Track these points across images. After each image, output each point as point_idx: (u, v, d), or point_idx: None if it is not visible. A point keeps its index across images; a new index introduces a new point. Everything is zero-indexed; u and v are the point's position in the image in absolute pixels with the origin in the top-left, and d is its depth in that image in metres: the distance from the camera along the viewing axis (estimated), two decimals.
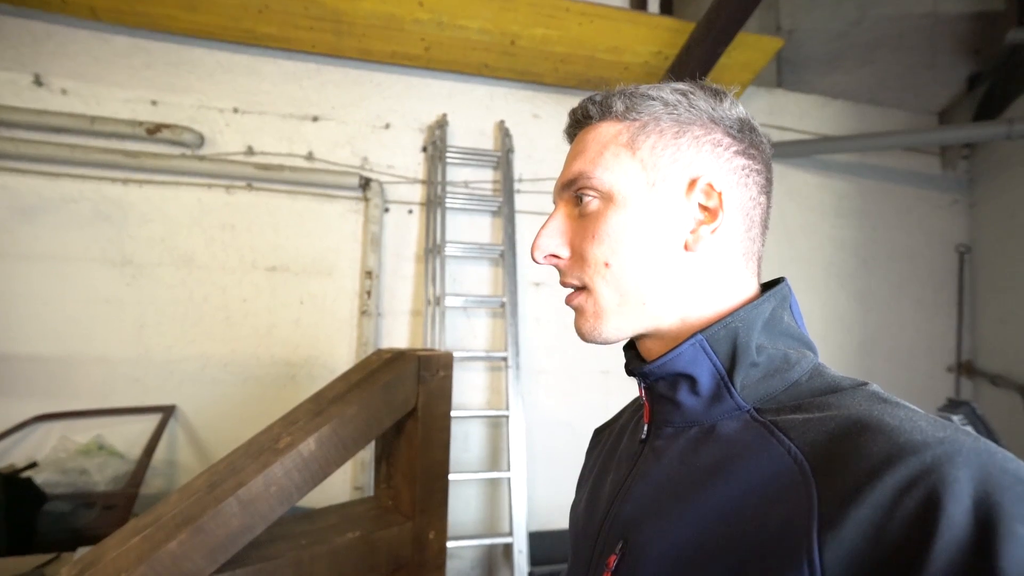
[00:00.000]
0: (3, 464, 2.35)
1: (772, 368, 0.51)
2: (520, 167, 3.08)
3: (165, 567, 1.10)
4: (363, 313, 2.76)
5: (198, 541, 1.11)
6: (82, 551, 1.58)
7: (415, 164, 2.99)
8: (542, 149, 3.13)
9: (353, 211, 2.89)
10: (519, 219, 3.00)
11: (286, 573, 1.28)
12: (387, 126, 2.99)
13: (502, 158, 2.99)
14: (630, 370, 0.59)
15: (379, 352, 1.60)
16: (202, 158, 2.75)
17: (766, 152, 0.58)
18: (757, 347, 0.51)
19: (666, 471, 0.53)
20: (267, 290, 2.77)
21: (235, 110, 2.84)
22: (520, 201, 3.04)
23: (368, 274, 2.78)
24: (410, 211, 2.95)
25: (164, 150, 2.74)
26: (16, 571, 1.60)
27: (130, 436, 2.51)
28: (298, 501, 1.25)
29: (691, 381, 0.52)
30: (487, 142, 3.08)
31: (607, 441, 0.72)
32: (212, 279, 2.74)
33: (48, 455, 2.36)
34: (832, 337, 3.49)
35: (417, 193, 2.96)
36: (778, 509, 0.42)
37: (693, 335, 0.52)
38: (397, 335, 2.85)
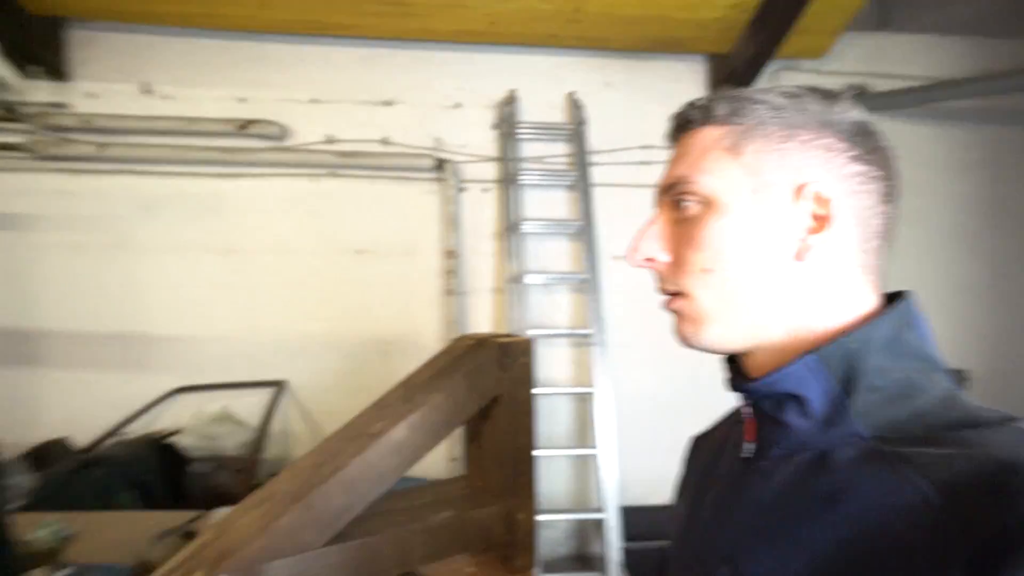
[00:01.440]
0: (151, 430, 2.78)
1: (895, 394, 0.48)
2: (594, 139, 3.10)
3: (281, 538, 1.32)
4: (447, 292, 2.96)
5: (307, 517, 1.33)
6: (218, 512, 1.89)
7: (487, 142, 3.09)
8: (616, 118, 3.13)
9: (430, 192, 3.06)
10: (595, 192, 3.05)
11: (386, 548, 1.47)
12: (457, 105, 3.09)
13: (574, 131, 3.03)
14: (733, 386, 0.58)
15: (462, 338, 1.75)
16: (287, 149, 2.99)
17: (888, 158, 0.55)
18: (878, 369, 0.48)
19: (775, 496, 0.51)
20: (356, 272, 3.02)
21: (313, 100, 3.04)
22: (596, 174, 3.08)
23: (449, 253, 2.96)
24: (485, 189, 3.08)
25: (254, 144, 3.00)
26: (172, 523, 1.95)
27: (250, 407, 2.89)
28: (394, 483, 1.43)
29: (801, 402, 0.50)
30: (558, 115, 3.12)
31: (706, 453, 0.71)
32: (305, 263, 3.01)
33: (188, 423, 2.78)
34: (957, 308, 3.24)
35: (491, 171, 3.08)
36: (902, 553, 0.40)
37: (804, 353, 0.50)
38: (481, 313, 3.04)
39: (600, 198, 3.06)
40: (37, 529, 1.81)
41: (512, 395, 1.52)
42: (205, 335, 3.00)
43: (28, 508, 2.24)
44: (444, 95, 3.09)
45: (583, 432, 3.04)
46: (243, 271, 3.01)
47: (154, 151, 2.92)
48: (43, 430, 2.92)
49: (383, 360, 3.01)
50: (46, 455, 2.71)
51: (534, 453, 1.57)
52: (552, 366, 3.05)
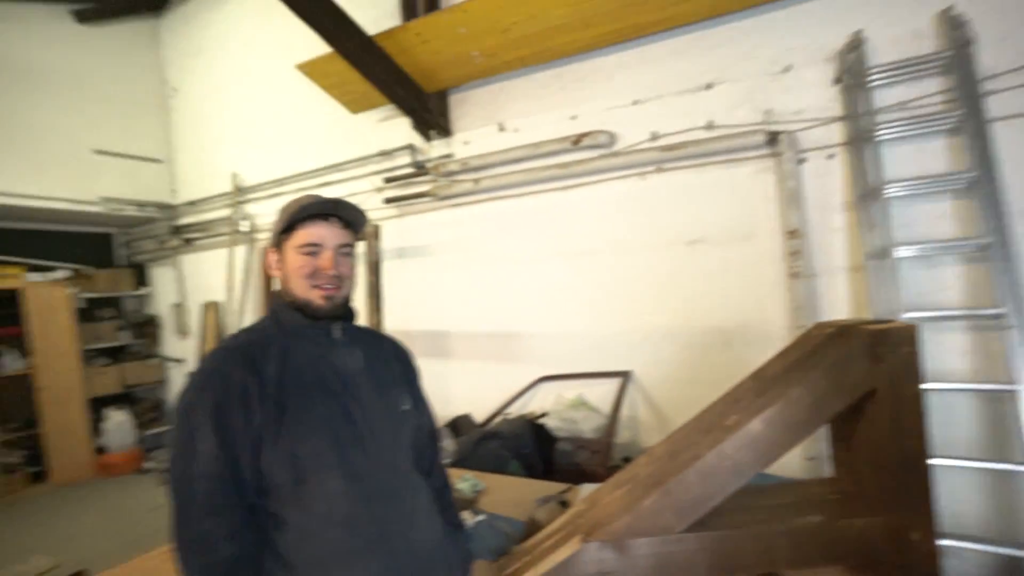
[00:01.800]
0: (525, 412, 3.34)
1: None
2: (988, 59, 2.36)
3: (644, 518, 1.40)
4: (792, 275, 2.68)
5: (667, 502, 1.36)
6: (585, 487, 2.12)
7: (827, 101, 2.69)
8: (1018, 25, 2.31)
9: (763, 170, 2.83)
10: (995, 130, 2.32)
11: (748, 544, 1.40)
12: (786, 69, 2.78)
13: (953, 57, 2.37)
14: None
15: (819, 326, 1.55)
16: (615, 154, 3.19)
17: None
18: None
19: None
20: (689, 263, 3.02)
21: (634, 102, 3.17)
22: (994, 105, 2.34)
23: (791, 233, 2.68)
24: (830, 156, 2.68)
25: (586, 155, 3.30)
26: (550, 492, 2.28)
27: (600, 395, 3.20)
28: (750, 478, 1.36)
29: None
30: (924, 45, 2.48)
31: None
32: (640, 259, 3.16)
33: (551, 407, 3.25)
34: None
35: (836, 134, 2.66)
36: None
37: None
38: (835, 296, 2.66)
39: (1002, 137, 2.31)
40: (460, 482, 2.38)
41: (892, 391, 1.28)
42: (560, 330, 3.45)
43: (452, 465, 2.98)
44: (770, 61, 2.82)
45: (997, 441, 2.32)
46: (584, 271, 3.35)
47: (510, 177, 3.53)
48: (454, 406, 3.83)
49: (725, 349, 2.91)
50: (458, 426, 3.55)
51: (929, 462, 1.28)
52: (944, 357, 2.41)
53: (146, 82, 5.76)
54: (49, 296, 5.04)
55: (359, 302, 4.24)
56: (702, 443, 1.41)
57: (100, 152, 5.31)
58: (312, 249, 1.14)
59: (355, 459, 1.09)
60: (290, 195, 4.88)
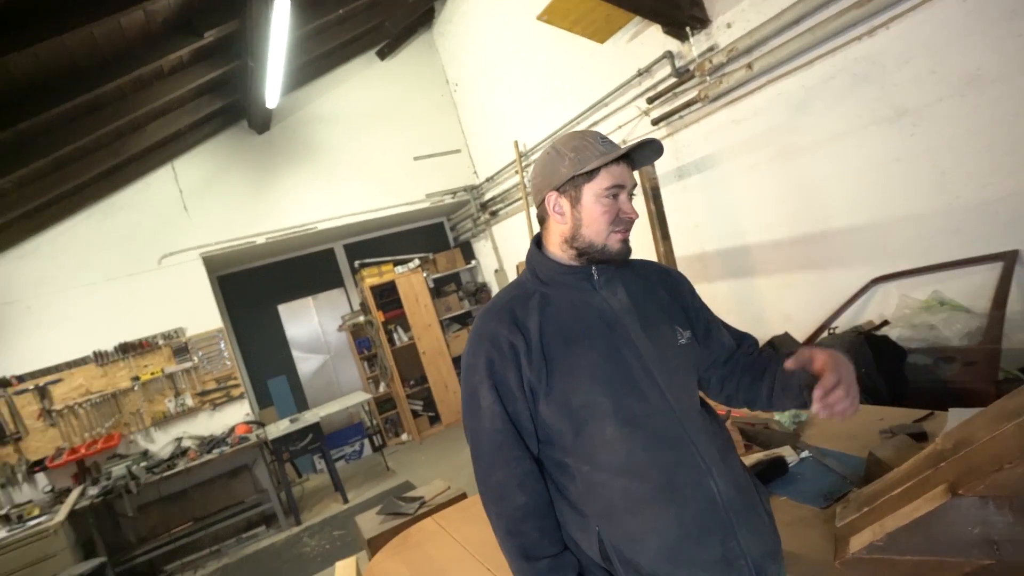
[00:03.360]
0: (858, 323, 2.75)
1: None
2: None
3: None
4: None
5: None
6: (954, 413, 1.59)
7: None
8: None
9: None
10: None
11: None
12: None
13: None
14: None
15: None
16: None
17: None
18: None
19: None
20: None
21: None
22: None
23: None
24: None
25: None
26: (896, 421, 1.80)
27: (969, 289, 2.40)
28: None
29: None
30: None
31: None
32: (1017, 87, 2.21)
33: (894, 313, 2.58)
34: None
35: None
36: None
37: None
38: None
39: None
40: (778, 412, 2.09)
41: None
42: (892, 217, 2.70)
43: None
44: None
45: None
46: (919, 133, 2.52)
47: (791, 45, 2.88)
48: (769, 327, 3.42)
49: None
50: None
51: None
52: None
53: (435, 87, 6.73)
54: (411, 282, 6.43)
55: (642, 234, 4.17)
56: None
57: (417, 158, 6.47)
58: (616, 191, 1.08)
59: (631, 404, 1.03)
60: None
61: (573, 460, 1.05)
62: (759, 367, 1.19)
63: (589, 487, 1.04)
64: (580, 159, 1.08)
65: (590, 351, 1.06)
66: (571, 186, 1.10)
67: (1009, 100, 2.23)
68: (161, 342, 5.08)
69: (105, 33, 3.22)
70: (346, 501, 4.98)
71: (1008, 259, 2.26)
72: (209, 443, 4.81)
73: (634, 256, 1.29)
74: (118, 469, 4.29)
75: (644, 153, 1.10)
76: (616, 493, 1.02)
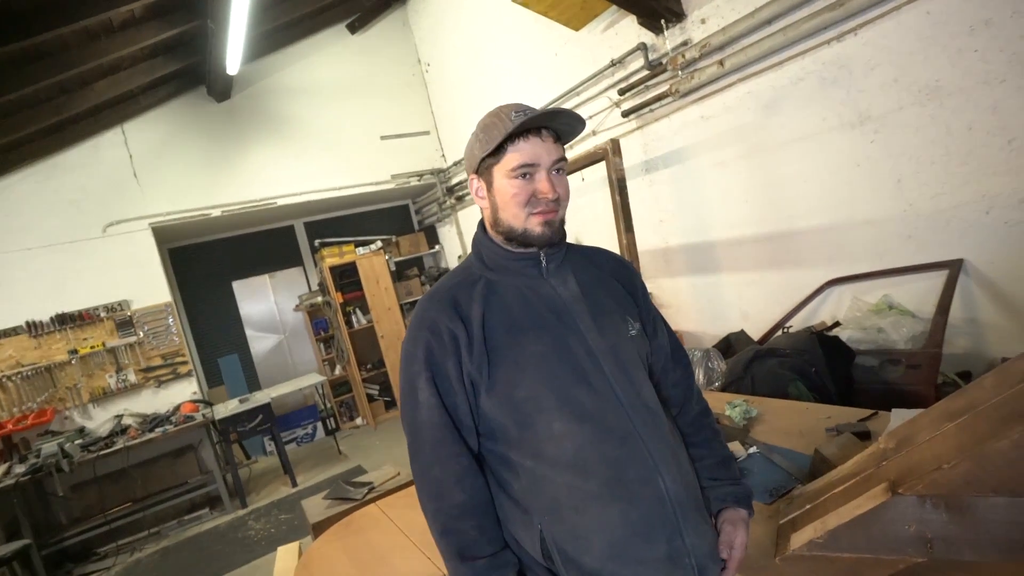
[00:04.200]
0: (812, 323, 2.81)
1: None
2: None
3: (995, 467, 0.94)
4: None
5: None
6: (897, 414, 1.63)
7: None
8: None
9: None
10: None
11: None
12: None
13: None
14: None
15: None
16: None
17: None
18: None
19: None
20: None
21: None
22: None
23: None
24: None
25: None
26: (842, 420, 1.85)
27: (917, 294, 2.47)
28: None
29: None
30: None
31: None
32: (972, 101, 2.27)
33: (846, 315, 2.65)
34: None
35: None
36: None
37: None
38: None
39: None
40: (729, 408, 2.12)
41: None
42: (851, 221, 2.76)
43: (721, 389, 2.70)
44: None
45: None
46: (880, 139, 2.57)
47: (764, 44, 2.89)
48: (727, 323, 3.47)
49: None
50: (731, 345, 3.20)
51: None
52: None
53: (406, 66, 6.57)
54: (372, 264, 6.30)
55: (605, 225, 4.18)
56: None
57: (384, 137, 6.31)
58: (527, 170, 1.00)
59: (579, 397, 0.99)
60: None
61: (517, 455, 1.00)
62: (698, 437, 1.18)
63: (533, 482, 0.99)
64: (488, 138, 1.02)
65: (536, 342, 1.01)
66: (484, 168, 1.05)
67: (964, 113, 2.29)
68: (104, 315, 4.84)
69: None
70: (295, 484, 4.87)
71: (953, 267, 2.34)
72: (152, 421, 4.63)
73: (596, 246, 1.27)
74: (49, 447, 4.07)
75: (566, 125, 1.03)
76: (561, 489, 0.97)
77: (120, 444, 4.27)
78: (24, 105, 4.02)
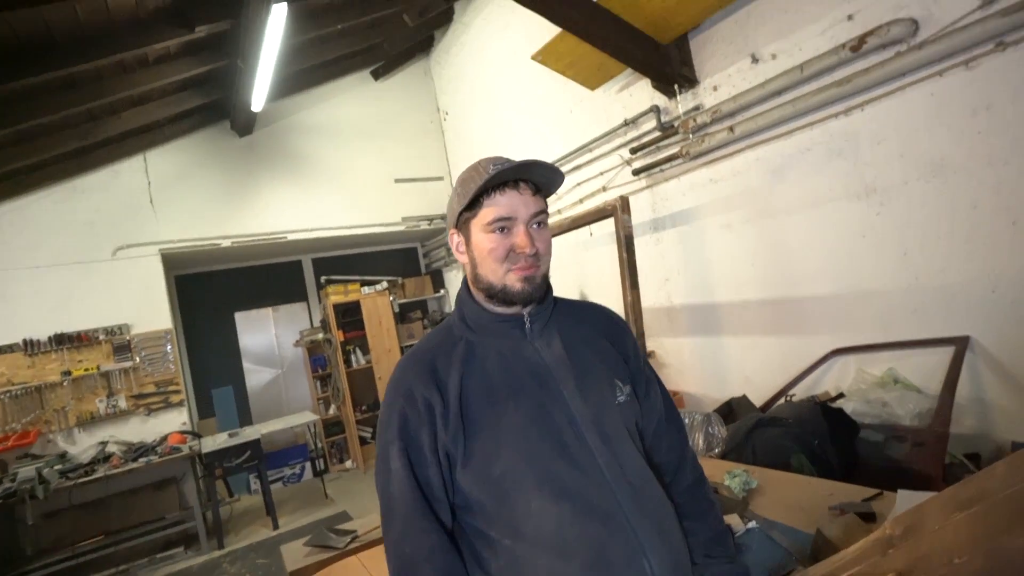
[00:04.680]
0: (816, 393, 2.76)
1: None
2: None
3: (1011, 566, 0.88)
4: None
5: None
6: (902, 495, 1.58)
7: None
8: None
9: None
10: None
11: None
12: None
13: None
14: None
15: None
16: (921, 45, 2.40)
17: None
18: None
19: None
20: None
21: None
22: None
23: None
24: None
25: (874, 60, 2.57)
26: (846, 498, 1.78)
27: (923, 369, 2.44)
28: None
29: None
30: None
31: None
32: (976, 180, 2.31)
33: (850, 386, 2.61)
34: None
35: None
36: None
37: None
38: None
39: None
40: (728, 477, 2.05)
41: None
42: (856, 290, 2.76)
43: (721, 456, 2.63)
44: None
45: None
46: (886, 212, 2.60)
47: (772, 114, 2.98)
48: (729, 387, 3.42)
49: None
50: (732, 410, 3.15)
51: None
52: None
53: (425, 113, 6.81)
54: (376, 304, 6.32)
55: (611, 280, 4.19)
56: None
57: (398, 180, 6.46)
58: (503, 224, 0.97)
59: (559, 473, 0.93)
60: None
61: (495, 532, 0.94)
62: (692, 509, 1.13)
63: (511, 563, 0.93)
64: (464, 192, 0.99)
65: (516, 412, 0.95)
66: (462, 222, 1.02)
67: (968, 191, 2.32)
68: (102, 337, 4.84)
69: (89, 11, 3.17)
70: (276, 527, 4.73)
71: (960, 344, 2.31)
72: (137, 450, 4.55)
73: (589, 301, 1.23)
74: (26, 471, 3.99)
75: (543, 177, 1.00)
76: (541, 572, 0.91)
77: (101, 472, 4.18)
78: (53, 130, 4.17)
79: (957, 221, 2.36)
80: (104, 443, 4.69)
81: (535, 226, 1.00)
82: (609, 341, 1.12)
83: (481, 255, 0.99)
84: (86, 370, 4.74)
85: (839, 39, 2.68)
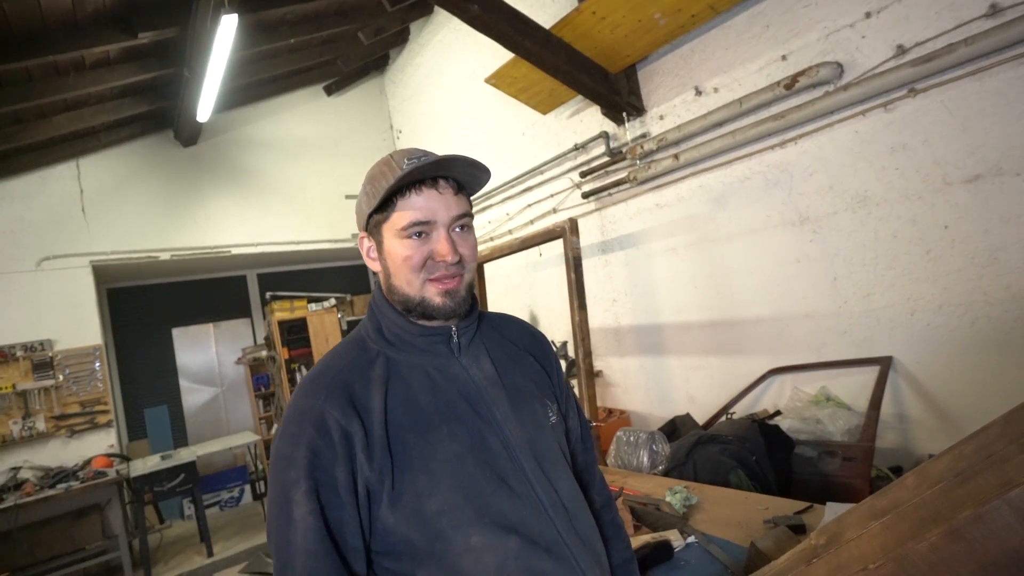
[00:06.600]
0: (754, 411, 2.86)
1: None
2: None
3: (917, 570, 0.92)
4: None
5: (957, 550, 0.89)
6: (830, 507, 1.65)
7: None
8: None
9: None
10: None
11: None
12: None
13: None
14: None
15: None
16: (846, 87, 2.57)
17: None
18: None
19: None
20: (972, 207, 2.26)
21: (866, 15, 2.52)
22: None
23: None
24: None
25: (806, 98, 2.74)
26: (780, 512, 1.85)
27: (852, 388, 2.57)
28: None
29: None
30: None
31: None
32: (895, 212, 2.48)
33: (787, 404, 2.72)
34: None
35: None
36: None
37: None
38: None
39: None
40: (669, 494, 2.09)
41: None
42: (791, 313, 2.89)
43: (665, 473, 2.68)
44: None
45: None
46: (817, 240, 2.76)
47: (714, 144, 3.12)
48: (673, 406, 3.50)
49: None
50: (676, 428, 3.21)
51: None
52: None
53: (378, 131, 6.75)
54: (323, 322, 6.15)
55: (559, 301, 4.23)
56: (1016, 460, 0.92)
57: (349, 196, 6.35)
58: (420, 229, 0.85)
59: (499, 505, 0.83)
60: (495, 207, 5.15)
61: (424, 572, 0.81)
62: (602, 533, 1.03)
63: None
64: (374, 191, 0.87)
65: (450, 440, 0.84)
66: (373, 226, 0.90)
67: (889, 222, 2.49)
68: (20, 353, 4.49)
69: (17, 10, 2.99)
70: (211, 554, 4.46)
71: (884, 364, 2.46)
72: (55, 476, 4.21)
73: (504, 313, 1.13)
74: None
75: (467, 175, 0.89)
76: None
77: (11, 501, 3.84)
78: None
79: (880, 250, 2.53)
80: (16, 469, 4.32)
81: (457, 230, 0.88)
82: (534, 357, 1.04)
83: (395, 264, 0.87)
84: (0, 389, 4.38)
85: (775, 77, 2.85)
